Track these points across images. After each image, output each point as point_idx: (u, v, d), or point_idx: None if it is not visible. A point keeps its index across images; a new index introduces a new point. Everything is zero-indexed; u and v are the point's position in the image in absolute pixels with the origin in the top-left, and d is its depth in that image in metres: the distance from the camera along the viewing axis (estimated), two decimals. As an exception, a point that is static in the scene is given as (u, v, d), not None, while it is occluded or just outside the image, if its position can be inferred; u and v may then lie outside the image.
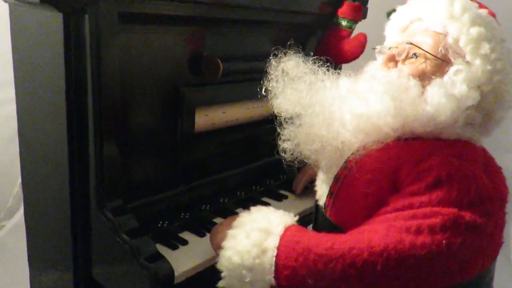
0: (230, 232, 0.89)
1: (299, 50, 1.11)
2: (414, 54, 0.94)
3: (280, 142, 1.02)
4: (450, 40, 0.91)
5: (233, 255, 0.85)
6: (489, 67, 0.88)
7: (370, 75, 0.98)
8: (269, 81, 1.08)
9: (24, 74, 1.07)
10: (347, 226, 0.97)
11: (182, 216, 1.15)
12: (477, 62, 0.89)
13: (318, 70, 1.05)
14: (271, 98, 1.07)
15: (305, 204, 1.35)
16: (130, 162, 1.07)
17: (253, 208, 0.95)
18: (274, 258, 0.82)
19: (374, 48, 1.07)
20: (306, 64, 1.07)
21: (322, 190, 1.08)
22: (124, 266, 0.95)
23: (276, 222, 0.88)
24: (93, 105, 0.93)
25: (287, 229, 0.87)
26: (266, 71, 1.08)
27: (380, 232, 0.79)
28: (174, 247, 1.05)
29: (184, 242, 1.07)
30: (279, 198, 1.37)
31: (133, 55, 1.01)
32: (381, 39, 1.29)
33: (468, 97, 0.87)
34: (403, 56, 0.97)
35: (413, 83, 0.91)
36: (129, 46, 1.00)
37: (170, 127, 1.14)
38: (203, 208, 1.21)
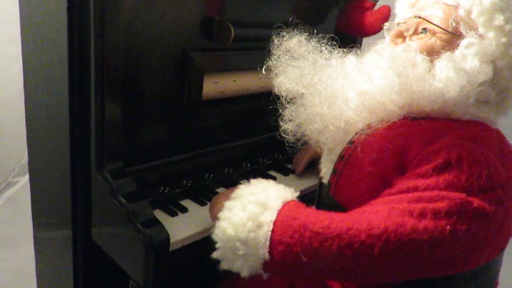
0: (227, 203, 0.86)
1: (303, 29, 1.06)
2: (424, 29, 0.90)
3: (281, 123, 0.99)
4: (461, 12, 0.86)
5: (228, 226, 0.82)
6: (503, 40, 0.82)
7: (375, 51, 0.94)
8: (271, 59, 1.04)
9: (30, 30, 1.05)
10: (350, 205, 0.93)
11: (184, 183, 1.13)
12: (491, 34, 0.83)
13: (323, 48, 1.01)
14: (272, 77, 1.04)
15: (312, 181, 1.31)
16: (133, 125, 1.05)
17: (252, 180, 0.92)
18: (270, 233, 0.79)
19: (382, 26, 1.02)
20: (310, 42, 1.02)
21: (326, 168, 1.04)
22: (120, 230, 0.94)
23: (274, 197, 0.85)
24: (95, 63, 0.90)
25: (285, 204, 0.84)
26: (269, 50, 1.04)
27: (381, 214, 0.75)
28: (173, 214, 1.03)
29: (184, 210, 1.06)
30: (286, 172, 1.34)
31: (140, 16, 0.97)
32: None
33: (480, 72, 0.82)
34: (411, 31, 0.92)
35: (421, 58, 0.86)
36: (137, 5, 0.96)
37: (177, 92, 1.11)
38: (206, 177, 1.19)
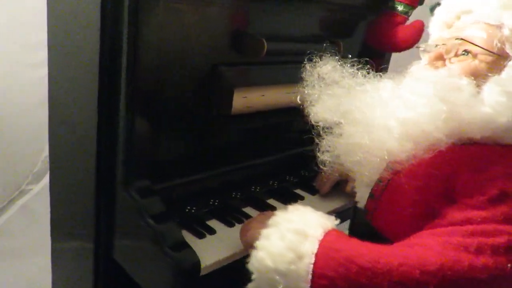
0: (264, 231, 0.81)
1: (335, 53, 1.02)
2: (465, 50, 0.85)
3: (318, 154, 0.94)
4: (506, 31, 0.82)
5: (266, 257, 0.77)
6: None
7: (415, 76, 0.89)
8: (304, 87, 1.00)
9: (58, 38, 1.01)
10: (390, 232, 0.88)
11: (211, 202, 1.09)
12: None
13: (357, 73, 0.97)
14: (307, 106, 1.00)
15: (337, 202, 1.26)
16: (160, 140, 1.01)
17: (290, 207, 0.87)
18: (311, 266, 0.74)
19: (418, 47, 0.97)
20: (344, 67, 0.98)
21: (361, 193, 0.99)
22: (146, 251, 0.90)
23: (314, 224, 0.80)
24: (127, 77, 0.86)
25: (326, 234, 0.79)
26: (301, 78, 1.02)
27: (434, 249, 0.70)
28: (200, 235, 0.99)
29: (212, 231, 1.01)
30: (313, 191, 1.29)
31: (172, 28, 0.93)
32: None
33: None
34: (452, 54, 0.88)
35: (466, 82, 0.81)
36: (168, 18, 0.92)
37: (205, 107, 1.07)
38: (233, 195, 1.14)
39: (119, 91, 0.88)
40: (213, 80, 1.05)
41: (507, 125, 0.78)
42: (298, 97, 1.01)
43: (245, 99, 1.17)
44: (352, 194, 1.23)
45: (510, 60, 0.82)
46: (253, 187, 1.19)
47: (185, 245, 0.88)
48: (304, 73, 1.01)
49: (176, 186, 1.03)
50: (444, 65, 0.88)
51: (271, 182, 1.24)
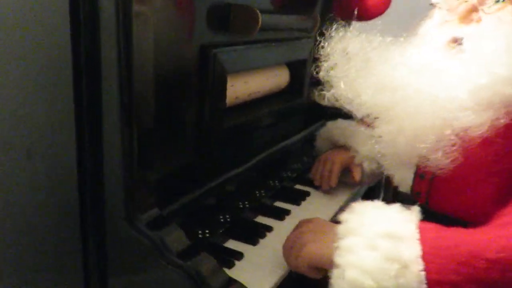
0: (343, 244, 0.63)
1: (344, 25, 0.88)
2: None
3: (381, 159, 0.80)
4: None
5: (361, 276, 0.59)
6: None
7: (474, 34, 0.74)
8: (326, 67, 0.84)
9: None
10: (463, 213, 0.76)
11: (222, 220, 0.86)
12: None
13: (387, 42, 0.83)
14: (326, 89, 0.84)
15: (347, 191, 1.13)
16: (153, 155, 0.76)
17: (355, 205, 0.70)
18: (423, 273, 0.58)
19: (431, 4, 0.85)
20: (373, 37, 0.84)
21: (401, 174, 0.86)
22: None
23: (400, 221, 0.64)
24: (120, 79, 0.61)
25: (422, 229, 0.63)
26: (315, 58, 0.86)
27: None
28: (229, 264, 0.77)
29: (239, 256, 0.79)
30: (312, 184, 1.13)
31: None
32: None
33: None
34: (492, 1, 0.76)
35: None
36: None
37: (196, 103, 0.84)
38: (241, 206, 0.93)
39: (108, 99, 0.62)
40: (203, 67, 0.83)
41: None
42: (321, 74, 0.83)
43: (233, 88, 0.96)
44: (361, 182, 1.10)
45: None
46: (257, 193, 0.99)
47: (232, 281, 0.66)
48: (318, 50, 0.84)
49: (180, 209, 0.79)
50: (479, 19, 0.77)
51: (272, 182, 1.06)
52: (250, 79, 1.04)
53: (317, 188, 1.11)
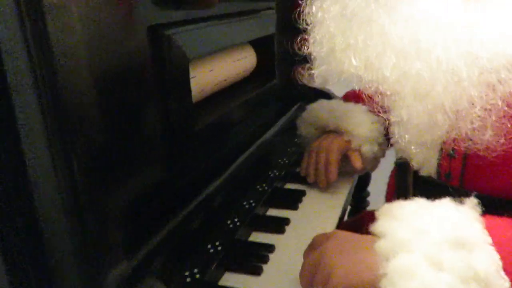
0: (394, 265, 0.46)
1: None
2: None
3: (397, 144, 0.61)
4: None
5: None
6: None
7: None
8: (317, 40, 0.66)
9: None
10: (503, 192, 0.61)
11: (212, 250, 0.67)
12: None
13: None
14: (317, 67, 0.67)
15: (347, 182, 0.96)
16: (106, 185, 0.55)
17: (389, 207, 0.53)
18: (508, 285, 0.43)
19: None
20: None
21: (423, 154, 0.69)
22: None
23: (462, 222, 0.48)
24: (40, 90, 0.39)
25: (489, 228, 0.47)
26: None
27: None
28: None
29: (245, 296, 0.61)
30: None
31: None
32: None
33: None
34: None
35: None
36: None
37: (155, 104, 0.63)
38: (230, 226, 0.74)
39: (25, 119, 0.40)
40: (156, 54, 0.62)
41: None
42: (310, 49, 0.64)
43: (196, 80, 0.76)
44: (362, 169, 0.93)
45: None
46: (246, 203, 0.80)
47: None
48: (303, 19, 0.66)
49: (157, 249, 0.58)
50: None
51: (259, 187, 0.87)
52: (216, 66, 0.84)
53: (310, 183, 0.93)
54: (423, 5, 0.60)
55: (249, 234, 0.76)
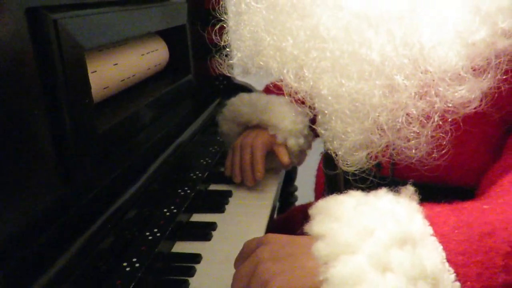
0: (336, 271, 0.40)
1: None
2: None
3: (340, 156, 0.55)
4: None
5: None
6: None
7: None
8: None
9: None
10: (440, 178, 0.60)
11: (128, 269, 0.58)
12: None
13: None
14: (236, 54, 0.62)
15: (275, 177, 0.91)
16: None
17: (325, 204, 0.47)
18: (458, 284, 0.39)
19: None
20: None
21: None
22: None
23: (401, 214, 0.44)
24: None
25: (428, 217, 0.44)
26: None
27: None
28: None
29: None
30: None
31: None
32: None
33: None
34: None
35: None
36: None
37: (46, 106, 0.52)
38: (150, 238, 0.65)
39: None
40: (41, 43, 0.51)
41: None
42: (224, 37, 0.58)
43: (98, 75, 0.66)
44: (290, 164, 0.89)
45: None
46: (166, 210, 0.72)
47: None
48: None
49: (59, 277, 0.48)
50: None
51: (181, 191, 0.79)
52: (121, 59, 0.74)
53: (236, 182, 0.87)
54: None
55: (172, 245, 0.68)
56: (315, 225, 0.46)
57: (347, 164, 0.53)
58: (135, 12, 0.74)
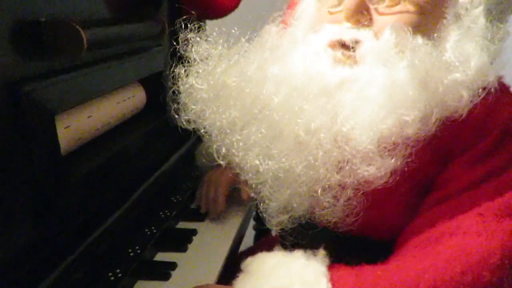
0: None
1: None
2: None
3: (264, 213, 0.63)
4: None
5: None
6: None
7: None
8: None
9: None
10: (367, 232, 0.67)
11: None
12: None
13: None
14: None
15: (239, 213, 0.99)
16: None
17: (251, 262, 0.55)
18: None
19: None
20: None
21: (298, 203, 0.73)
22: None
23: (308, 277, 0.51)
24: None
25: (332, 279, 0.51)
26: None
27: (473, 232, 0.52)
28: None
29: None
30: (199, 216, 0.97)
31: None
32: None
33: (498, 34, 0.59)
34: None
35: (421, 42, 0.58)
36: None
37: (17, 164, 0.60)
38: (112, 279, 0.72)
39: None
40: (16, 113, 0.59)
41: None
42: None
43: (71, 130, 0.74)
44: (252, 199, 0.96)
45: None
46: (131, 252, 0.79)
47: None
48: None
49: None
50: (370, 19, 0.60)
51: (147, 230, 0.86)
52: (96, 111, 0.82)
53: (204, 218, 0.95)
54: (282, 56, 0.64)
55: (133, 284, 0.75)
56: (239, 282, 0.53)
57: (272, 224, 0.61)
58: (114, 67, 0.82)
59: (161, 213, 0.92)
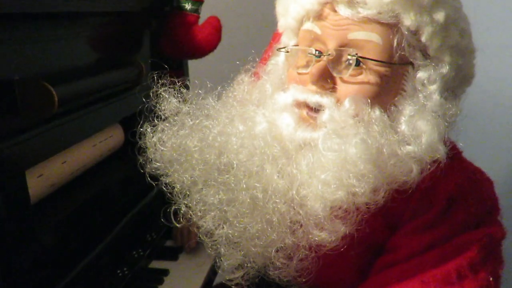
0: None
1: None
2: (357, 59, 0.61)
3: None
4: (405, 32, 0.61)
5: None
6: (460, 61, 0.65)
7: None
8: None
9: None
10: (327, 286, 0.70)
11: None
12: (447, 57, 0.63)
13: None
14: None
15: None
16: None
17: None
18: None
19: (280, 49, 0.72)
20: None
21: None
22: None
23: None
24: None
25: None
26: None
27: None
28: None
29: None
30: (172, 255, 1.00)
31: None
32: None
33: (450, 110, 0.63)
34: (343, 66, 0.63)
35: (378, 113, 0.61)
36: None
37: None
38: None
39: None
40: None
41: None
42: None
43: (43, 178, 0.77)
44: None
45: (417, 71, 0.62)
46: (102, 293, 0.82)
47: None
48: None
49: None
50: (333, 85, 0.63)
51: (119, 271, 0.89)
52: (71, 156, 0.85)
53: (177, 258, 0.98)
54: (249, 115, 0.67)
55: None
56: None
57: (229, 279, 0.64)
58: (89, 116, 0.85)
59: (134, 253, 0.95)
